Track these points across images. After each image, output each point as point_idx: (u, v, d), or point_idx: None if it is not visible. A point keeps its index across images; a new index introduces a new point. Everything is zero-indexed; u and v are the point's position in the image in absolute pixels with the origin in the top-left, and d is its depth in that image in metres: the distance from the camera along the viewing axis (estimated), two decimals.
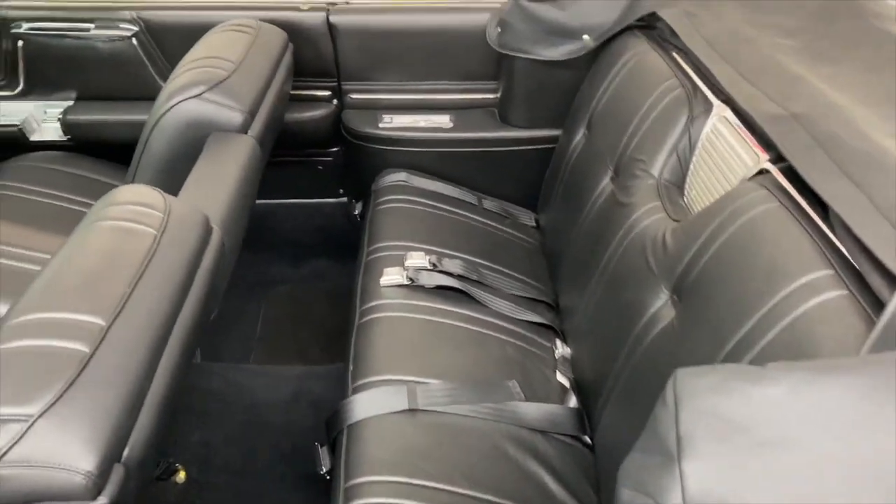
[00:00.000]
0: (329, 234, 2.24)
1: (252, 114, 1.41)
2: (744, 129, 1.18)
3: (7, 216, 1.64)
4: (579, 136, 1.68)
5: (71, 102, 1.97)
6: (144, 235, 0.97)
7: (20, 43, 1.87)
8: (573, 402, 1.35)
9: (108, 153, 1.94)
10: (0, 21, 1.86)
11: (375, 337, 1.39)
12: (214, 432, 1.64)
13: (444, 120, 1.95)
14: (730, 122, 1.22)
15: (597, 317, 1.36)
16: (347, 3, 1.89)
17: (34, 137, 1.97)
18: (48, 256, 1.37)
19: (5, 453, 0.70)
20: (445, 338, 1.42)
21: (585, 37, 1.72)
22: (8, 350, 0.80)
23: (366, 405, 1.23)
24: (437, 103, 1.97)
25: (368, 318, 1.44)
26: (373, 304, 1.47)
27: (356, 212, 1.99)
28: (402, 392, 1.25)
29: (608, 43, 1.69)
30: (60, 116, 1.94)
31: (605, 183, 1.47)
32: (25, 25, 1.85)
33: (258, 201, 1.52)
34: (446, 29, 1.89)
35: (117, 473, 0.76)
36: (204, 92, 1.36)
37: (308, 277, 2.24)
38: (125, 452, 0.78)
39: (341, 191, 2.17)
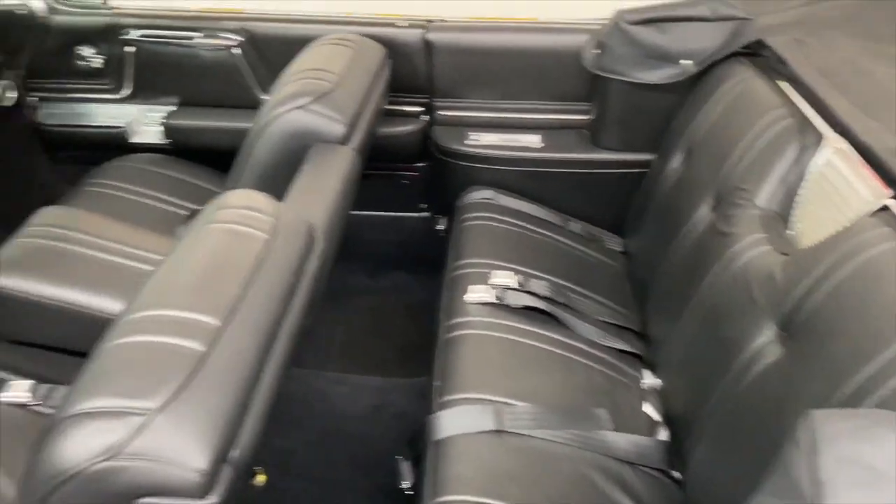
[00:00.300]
0: (409, 248, 2.25)
1: (353, 126, 1.43)
2: (863, 162, 1.13)
3: (110, 214, 1.71)
4: (676, 161, 1.65)
5: (174, 108, 2.04)
6: (255, 239, 0.99)
7: (130, 49, 1.96)
8: (663, 434, 1.31)
9: (205, 158, 2.00)
10: (111, 27, 1.95)
11: (462, 354, 1.38)
12: (295, 438, 1.66)
13: (533, 140, 1.94)
14: (846, 155, 1.17)
15: (691, 349, 1.32)
16: (444, 20, 1.91)
17: (136, 139, 2.05)
18: (150, 254, 1.43)
19: (125, 445, 0.72)
20: (532, 360, 1.40)
21: (683, 61, 1.69)
22: (127, 345, 0.82)
23: (452, 422, 1.23)
24: (527, 123, 1.97)
25: (454, 334, 1.43)
26: (458, 320, 1.46)
27: (440, 227, 2.00)
28: (489, 412, 1.24)
29: (710, 68, 1.65)
30: (163, 120, 2.02)
31: (704, 211, 1.43)
32: (135, 32, 1.94)
33: None
34: (541, 49, 1.89)
35: (226, 473, 0.77)
36: (309, 103, 1.38)
37: (387, 290, 2.25)
38: (233, 453, 0.79)
39: (424, 206, 2.18)
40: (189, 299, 0.88)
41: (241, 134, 1.86)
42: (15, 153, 2.06)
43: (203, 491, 0.73)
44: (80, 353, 1.35)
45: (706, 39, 1.66)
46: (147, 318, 0.85)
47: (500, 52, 1.90)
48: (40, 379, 1.29)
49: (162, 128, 2.03)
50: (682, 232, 1.49)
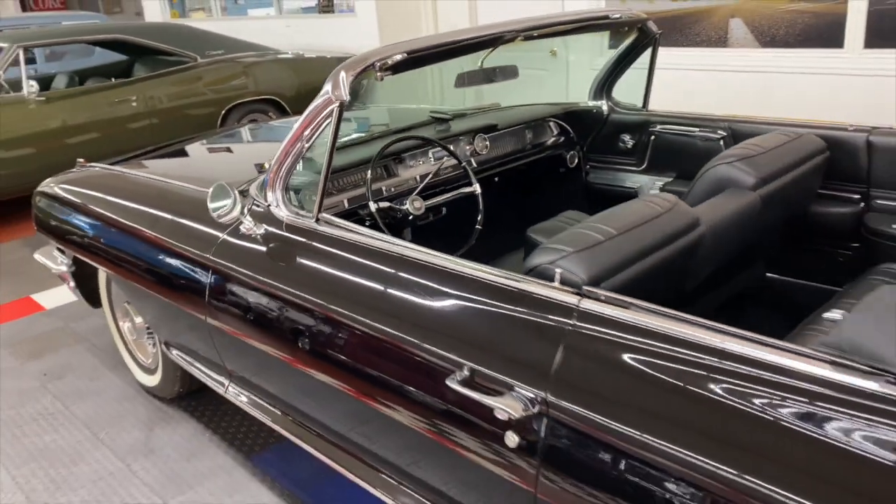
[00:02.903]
0: None
1: (765, 181, 2.06)
2: None
3: None
4: None
5: (670, 179, 2.92)
6: (655, 208, 1.77)
7: (652, 137, 2.93)
8: None
9: None
10: (644, 123, 2.96)
11: None
12: None
13: None
14: None
15: None
16: (891, 127, 2.35)
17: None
18: None
19: (551, 264, 1.58)
20: None
21: None
22: (578, 231, 1.69)
23: None
24: None
25: None
26: None
27: None
28: None
29: None
30: (661, 187, 2.91)
31: None
32: (658, 126, 2.90)
33: None
34: None
35: (597, 294, 1.55)
36: (733, 161, 2.09)
37: None
38: (603, 284, 1.57)
39: None
40: (606, 225, 1.71)
41: None
42: (573, 200, 3.21)
43: (580, 293, 1.54)
44: None
45: None
46: (588, 226, 1.71)
47: None
48: None
49: (657, 191, 2.92)
50: None
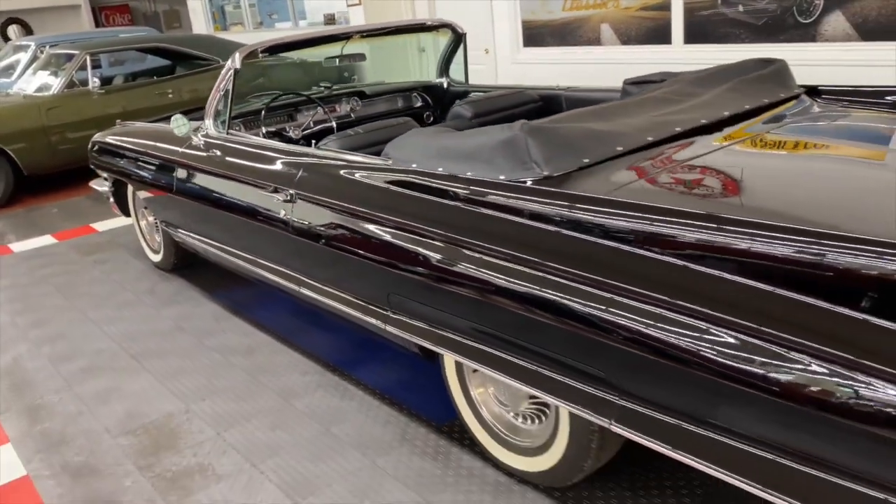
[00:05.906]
0: None
1: (478, 116, 3.66)
2: None
3: None
4: None
5: None
6: (393, 123, 3.40)
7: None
8: None
9: None
10: (466, 93, 4.56)
11: None
12: None
13: None
14: None
15: None
16: (579, 87, 3.91)
17: None
18: None
19: (322, 144, 3.24)
20: None
21: None
22: (344, 132, 3.34)
23: None
24: None
25: None
26: None
27: None
28: None
29: None
30: None
31: None
32: (473, 94, 4.51)
33: None
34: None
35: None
36: (462, 104, 3.69)
37: None
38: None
39: None
40: (362, 129, 3.34)
41: None
42: None
43: (316, 147, 3.18)
44: None
45: None
46: (354, 128, 3.36)
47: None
48: None
49: None
50: None
